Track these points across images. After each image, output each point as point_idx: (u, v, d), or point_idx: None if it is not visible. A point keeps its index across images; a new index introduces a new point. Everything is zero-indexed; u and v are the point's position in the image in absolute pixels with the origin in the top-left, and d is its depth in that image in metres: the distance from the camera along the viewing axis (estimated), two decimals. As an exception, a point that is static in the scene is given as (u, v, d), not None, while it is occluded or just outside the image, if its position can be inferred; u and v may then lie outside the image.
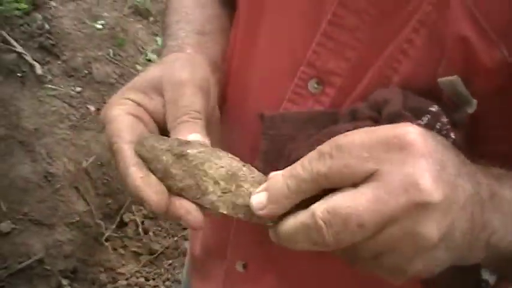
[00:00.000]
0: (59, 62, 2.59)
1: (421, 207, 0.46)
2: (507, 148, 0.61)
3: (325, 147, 0.49)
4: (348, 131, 0.52)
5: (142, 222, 2.48)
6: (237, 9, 0.77)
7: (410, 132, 0.49)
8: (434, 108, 0.56)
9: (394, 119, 0.55)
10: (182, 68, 0.65)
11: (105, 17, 2.85)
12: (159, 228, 2.49)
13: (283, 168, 0.55)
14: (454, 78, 0.55)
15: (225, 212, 0.54)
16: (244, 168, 0.56)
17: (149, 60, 2.80)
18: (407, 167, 0.47)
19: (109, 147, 0.60)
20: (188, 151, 0.56)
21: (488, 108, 0.58)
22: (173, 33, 0.78)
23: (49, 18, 2.73)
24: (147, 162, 0.56)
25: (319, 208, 0.48)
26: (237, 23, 0.77)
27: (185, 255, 2.39)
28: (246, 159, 0.63)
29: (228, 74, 0.76)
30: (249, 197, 0.54)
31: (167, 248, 2.43)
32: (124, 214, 2.47)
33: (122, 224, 2.47)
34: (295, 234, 0.50)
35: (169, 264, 2.41)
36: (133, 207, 2.50)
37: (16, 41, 2.54)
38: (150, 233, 2.47)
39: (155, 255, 2.41)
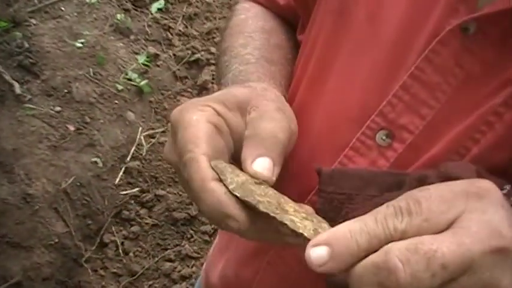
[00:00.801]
0: (38, 81, 2.56)
1: (503, 254, 0.45)
2: None
3: (401, 202, 0.46)
4: None
5: (123, 243, 2.45)
6: (307, 44, 0.74)
7: (487, 183, 0.48)
8: (505, 190, 0.53)
9: None
10: (273, 101, 0.62)
11: (86, 35, 2.83)
12: (140, 249, 2.46)
13: None
14: None
15: (305, 234, 0.49)
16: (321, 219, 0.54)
17: (129, 79, 2.77)
18: (488, 215, 0.46)
19: (179, 154, 0.56)
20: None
21: None
22: (240, 57, 0.76)
23: (29, 36, 2.71)
24: (222, 175, 0.53)
25: (395, 246, 0.44)
26: (305, 60, 0.73)
27: (166, 277, 2.38)
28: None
29: None
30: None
31: (147, 269, 2.41)
32: (104, 235, 2.44)
33: (102, 245, 2.44)
34: (361, 276, 0.45)
35: (150, 286, 2.38)
36: (114, 228, 2.47)
37: (-5, 59, 2.52)
38: (131, 254, 2.44)
39: (135, 277, 2.38)
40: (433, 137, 0.60)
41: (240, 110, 0.60)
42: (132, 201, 2.55)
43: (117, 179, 2.52)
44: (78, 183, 2.39)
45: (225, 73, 0.74)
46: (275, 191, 0.55)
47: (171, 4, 3.27)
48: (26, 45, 2.68)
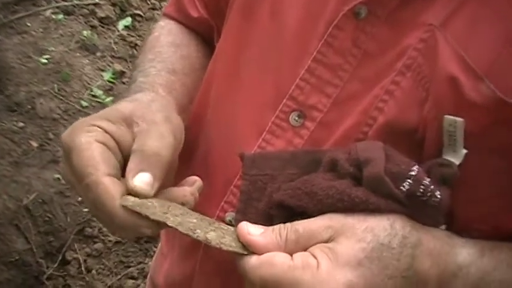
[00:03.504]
0: (2, 97, 2.54)
1: None
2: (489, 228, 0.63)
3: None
4: (325, 182, 0.59)
5: (85, 261, 2.43)
6: (218, 44, 0.81)
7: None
8: (414, 172, 0.57)
9: (373, 183, 0.57)
10: (159, 111, 0.67)
11: (51, 51, 2.83)
12: (102, 267, 2.43)
13: (264, 208, 0.63)
14: (460, 120, 0.57)
15: (216, 246, 0.57)
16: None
17: (94, 96, 2.77)
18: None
19: (79, 177, 0.60)
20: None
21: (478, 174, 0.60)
22: (144, 70, 0.81)
23: (-7, 51, 2.69)
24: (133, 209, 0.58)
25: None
26: (217, 58, 0.80)
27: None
28: (218, 196, 0.71)
29: (204, 110, 0.79)
30: (234, 232, 0.59)
31: (110, 286, 2.38)
32: (66, 252, 2.42)
33: (64, 263, 2.41)
34: None
35: (113, 304, 2.36)
36: (76, 245, 2.44)
37: (-43, 74, 2.49)
38: (93, 272, 2.41)
39: (98, 295, 2.36)
40: (342, 112, 0.66)
41: (126, 123, 0.64)
42: (95, 218, 2.52)
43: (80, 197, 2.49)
44: (40, 200, 2.36)
45: (130, 88, 0.79)
46: (182, 211, 0.61)
47: (138, 22, 3.28)
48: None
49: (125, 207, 0.58)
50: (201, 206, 0.69)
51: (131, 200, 0.58)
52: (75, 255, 2.43)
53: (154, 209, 0.59)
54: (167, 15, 0.94)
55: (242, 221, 0.61)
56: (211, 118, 0.78)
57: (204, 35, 0.92)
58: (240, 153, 0.67)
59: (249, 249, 0.57)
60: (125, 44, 3.14)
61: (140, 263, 2.46)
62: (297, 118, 0.68)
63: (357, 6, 0.64)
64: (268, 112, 0.70)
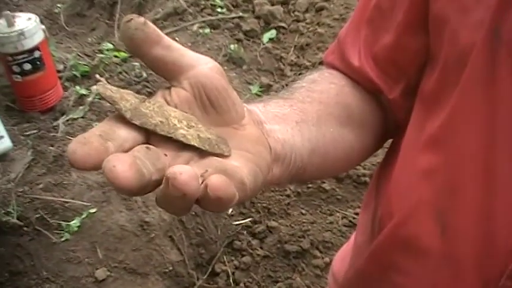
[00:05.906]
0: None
1: None
2: None
3: None
4: None
5: (234, 273, 2.45)
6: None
7: None
8: None
9: None
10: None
11: (200, 65, 2.88)
12: (250, 280, 2.44)
13: None
14: None
15: (194, 144, 0.54)
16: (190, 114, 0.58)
17: (244, 110, 2.79)
18: None
19: None
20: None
21: None
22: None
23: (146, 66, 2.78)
24: (114, 103, 0.54)
25: None
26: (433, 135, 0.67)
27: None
28: None
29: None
30: (208, 132, 0.56)
31: (257, 300, 2.39)
32: (215, 264, 2.45)
33: (214, 274, 2.44)
34: None
35: (260, 317, 2.36)
36: (225, 258, 2.47)
37: (115, 88, 2.60)
38: (241, 285, 2.42)
39: (246, 308, 2.37)
40: None
41: None
42: (244, 232, 2.55)
43: (230, 209, 2.52)
44: (193, 212, 2.41)
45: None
46: (158, 105, 0.56)
47: (282, 34, 3.29)
48: (144, 75, 2.76)
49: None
50: None
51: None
52: (224, 268, 2.46)
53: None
54: (328, 64, 0.82)
55: None
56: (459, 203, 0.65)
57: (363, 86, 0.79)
58: None
59: None
60: (270, 57, 3.15)
61: (288, 278, 2.44)
62: None
63: None
64: None
